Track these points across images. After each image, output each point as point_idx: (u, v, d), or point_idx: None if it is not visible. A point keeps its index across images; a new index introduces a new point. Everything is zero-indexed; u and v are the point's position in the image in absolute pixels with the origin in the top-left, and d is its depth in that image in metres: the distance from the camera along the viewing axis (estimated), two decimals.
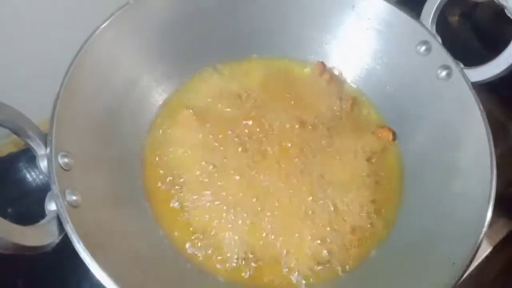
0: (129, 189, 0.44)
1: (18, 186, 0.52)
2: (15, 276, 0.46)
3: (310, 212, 0.44)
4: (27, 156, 0.53)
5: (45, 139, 0.35)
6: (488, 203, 0.38)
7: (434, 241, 0.41)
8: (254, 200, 0.45)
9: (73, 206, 0.34)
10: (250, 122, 0.50)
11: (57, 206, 0.33)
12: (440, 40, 0.47)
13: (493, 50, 0.43)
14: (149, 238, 0.42)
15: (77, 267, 0.33)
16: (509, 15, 0.42)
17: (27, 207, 0.48)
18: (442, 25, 0.49)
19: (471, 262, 0.36)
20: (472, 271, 0.48)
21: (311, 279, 0.42)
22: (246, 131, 0.49)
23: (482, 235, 0.36)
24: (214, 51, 0.53)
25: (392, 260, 0.42)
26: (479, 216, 0.37)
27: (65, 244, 0.32)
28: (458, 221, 0.40)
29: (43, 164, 0.35)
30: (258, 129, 0.49)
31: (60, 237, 0.33)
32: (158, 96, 0.50)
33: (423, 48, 0.47)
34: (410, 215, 0.45)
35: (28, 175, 0.53)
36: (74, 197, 0.34)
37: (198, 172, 0.46)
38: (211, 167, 0.46)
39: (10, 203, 0.49)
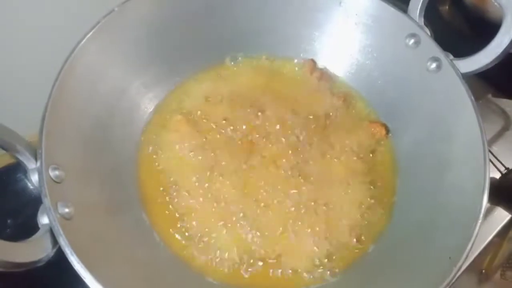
0: (123, 198, 0.43)
1: (18, 197, 0.52)
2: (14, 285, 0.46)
3: (307, 212, 0.44)
4: None
5: (34, 153, 0.35)
6: (483, 194, 0.37)
7: (430, 234, 0.40)
8: (250, 202, 0.44)
9: (66, 218, 0.34)
10: (243, 124, 0.49)
11: (49, 219, 0.33)
12: (428, 32, 0.46)
13: (486, 38, 0.43)
14: (145, 245, 0.42)
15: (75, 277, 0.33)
16: (494, 2, 0.41)
17: (28, 217, 0.48)
18: (433, 15, 0.48)
19: (467, 255, 0.35)
20: (473, 260, 0.48)
21: (309, 280, 0.42)
22: (239, 133, 0.49)
23: (478, 226, 0.36)
24: (202, 54, 0.52)
25: (390, 255, 0.42)
26: (474, 207, 0.37)
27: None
28: (454, 213, 0.40)
29: (34, 178, 0.35)
30: (251, 131, 0.49)
31: (54, 250, 0.33)
32: (149, 102, 0.50)
33: (412, 41, 0.47)
34: (406, 209, 0.45)
35: (28, 185, 0.53)
36: (67, 209, 0.34)
37: (193, 177, 0.46)
38: (206, 171, 0.46)
39: (10, 214, 0.49)
